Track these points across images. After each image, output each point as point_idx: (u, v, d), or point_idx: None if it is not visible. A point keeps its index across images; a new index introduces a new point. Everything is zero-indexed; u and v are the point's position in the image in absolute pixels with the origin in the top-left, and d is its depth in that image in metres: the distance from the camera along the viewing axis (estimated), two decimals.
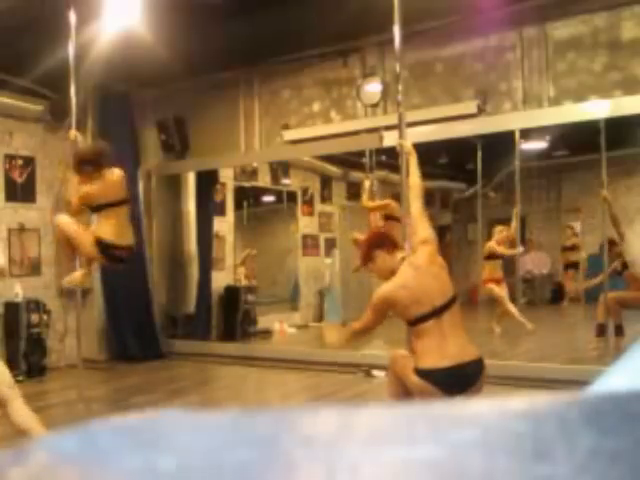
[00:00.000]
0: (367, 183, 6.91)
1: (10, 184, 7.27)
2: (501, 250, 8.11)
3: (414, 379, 3.14)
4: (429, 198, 12.46)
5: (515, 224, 8.14)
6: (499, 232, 8.14)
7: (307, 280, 10.78)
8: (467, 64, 6.59)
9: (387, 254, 3.35)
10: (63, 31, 4.83)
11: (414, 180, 3.61)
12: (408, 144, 3.83)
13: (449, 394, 3.05)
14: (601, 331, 6.90)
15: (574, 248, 10.15)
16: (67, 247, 4.76)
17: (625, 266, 6.67)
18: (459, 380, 3.09)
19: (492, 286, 8.19)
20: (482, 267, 8.49)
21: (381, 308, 3.24)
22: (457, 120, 6.47)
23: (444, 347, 3.09)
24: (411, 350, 3.27)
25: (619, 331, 6.67)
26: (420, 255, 3.32)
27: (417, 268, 3.24)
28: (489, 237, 8.48)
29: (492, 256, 8.16)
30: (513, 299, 8.34)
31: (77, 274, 4.77)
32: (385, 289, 3.25)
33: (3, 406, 3.78)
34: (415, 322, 3.18)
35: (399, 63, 4.20)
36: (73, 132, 4.95)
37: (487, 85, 6.47)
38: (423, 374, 3.10)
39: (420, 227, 3.40)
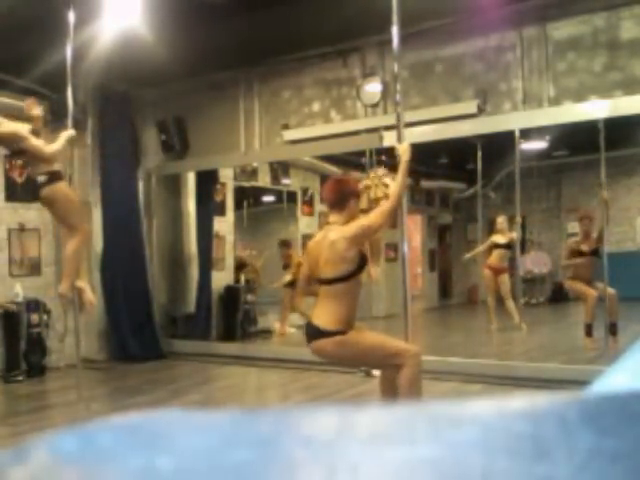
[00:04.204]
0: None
1: (10, 184, 7.27)
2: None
3: None
4: (429, 198, 12.56)
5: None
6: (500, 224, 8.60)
7: None
8: (467, 64, 6.59)
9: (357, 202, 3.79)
10: (63, 31, 4.83)
11: (394, 189, 3.71)
12: (405, 147, 3.82)
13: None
14: (589, 331, 6.98)
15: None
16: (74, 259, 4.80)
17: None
18: (306, 333, 3.72)
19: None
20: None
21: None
22: (457, 120, 6.47)
23: (314, 308, 3.75)
24: None
25: (614, 329, 6.71)
26: (347, 232, 3.57)
27: (333, 239, 3.59)
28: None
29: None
30: (514, 298, 8.39)
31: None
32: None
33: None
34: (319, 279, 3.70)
35: (397, 63, 4.20)
36: (70, 132, 4.93)
37: (487, 85, 6.47)
38: None
39: (372, 216, 3.66)
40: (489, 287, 8.71)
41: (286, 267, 9.23)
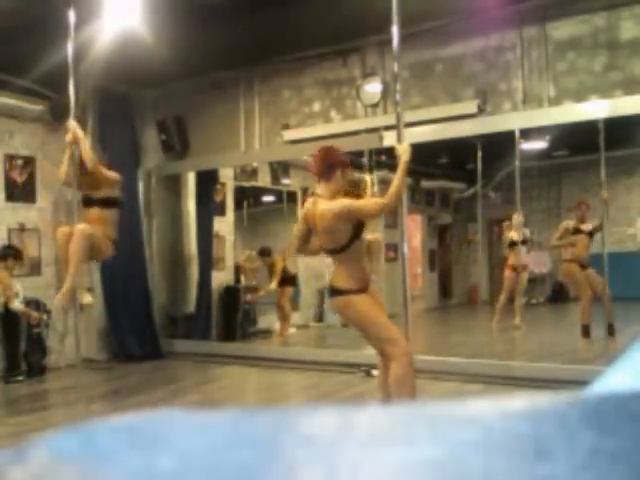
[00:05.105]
0: (367, 178, 6.83)
1: (10, 184, 7.27)
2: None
3: None
4: (429, 198, 12.56)
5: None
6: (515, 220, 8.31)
7: (307, 280, 10.77)
8: (467, 64, 6.59)
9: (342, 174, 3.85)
10: (63, 31, 4.82)
11: (392, 189, 3.71)
12: (405, 147, 3.83)
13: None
14: (586, 332, 7.00)
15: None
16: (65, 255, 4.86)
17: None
18: (329, 292, 4.05)
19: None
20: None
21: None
22: (457, 120, 6.47)
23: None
24: None
25: (611, 330, 6.73)
26: (333, 207, 3.66)
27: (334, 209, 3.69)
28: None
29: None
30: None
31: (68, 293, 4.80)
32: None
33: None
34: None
35: (397, 63, 4.20)
36: (72, 123, 4.89)
37: (487, 85, 6.47)
38: None
39: (361, 202, 3.77)
40: (507, 288, 8.48)
41: (271, 274, 9.21)
